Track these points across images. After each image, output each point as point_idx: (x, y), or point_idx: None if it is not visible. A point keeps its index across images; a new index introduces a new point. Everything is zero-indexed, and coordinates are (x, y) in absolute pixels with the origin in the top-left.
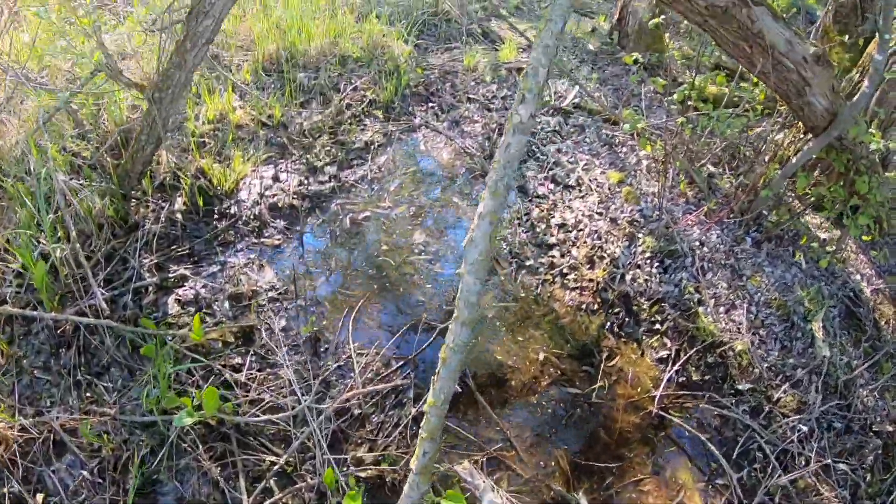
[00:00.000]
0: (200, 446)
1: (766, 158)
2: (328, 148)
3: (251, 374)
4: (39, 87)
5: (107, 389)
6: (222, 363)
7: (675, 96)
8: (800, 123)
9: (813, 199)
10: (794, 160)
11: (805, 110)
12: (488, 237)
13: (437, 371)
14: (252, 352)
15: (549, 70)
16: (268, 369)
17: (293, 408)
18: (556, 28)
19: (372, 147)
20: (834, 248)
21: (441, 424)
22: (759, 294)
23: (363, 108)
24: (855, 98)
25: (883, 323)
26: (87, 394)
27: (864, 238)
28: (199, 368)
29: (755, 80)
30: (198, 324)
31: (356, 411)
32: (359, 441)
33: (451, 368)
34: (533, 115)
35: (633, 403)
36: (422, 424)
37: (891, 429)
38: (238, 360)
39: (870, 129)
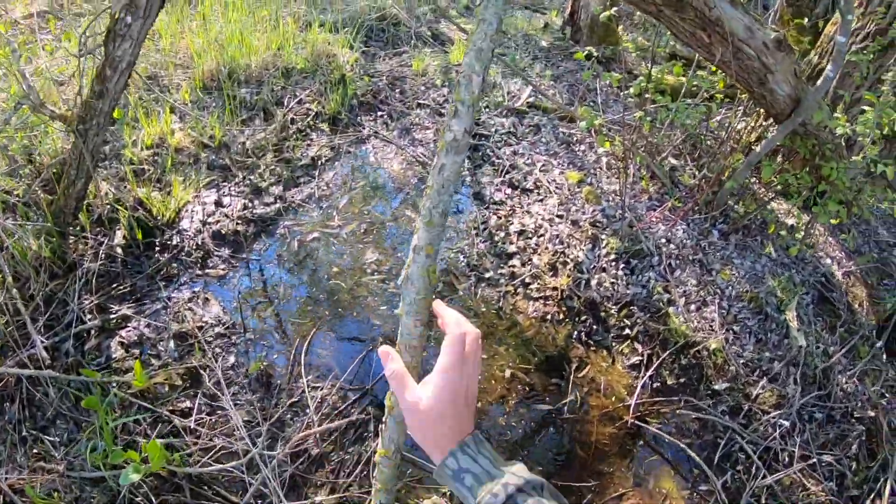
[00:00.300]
0: (153, 500)
1: (729, 148)
2: (273, 167)
3: (201, 418)
4: None
5: (53, 444)
6: (170, 409)
7: (631, 90)
8: (761, 111)
9: (779, 186)
10: (757, 149)
11: (767, 98)
12: (427, 273)
13: (383, 419)
14: (201, 394)
15: (484, 77)
16: (219, 412)
17: (245, 454)
18: (490, 29)
19: (319, 162)
20: (802, 234)
21: (395, 473)
22: (730, 288)
23: (309, 122)
24: (819, 82)
25: (857, 305)
26: (35, 450)
27: (832, 221)
28: (147, 416)
29: (714, 68)
30: (139, 369)
31: (314, 451)
32: (319, 483)
33: (398, 416)
34: (468, 131)
35: (608, 414)
36: (374, 475)
37: (872, 414)
38: (187, 403)
39: (835, 114)
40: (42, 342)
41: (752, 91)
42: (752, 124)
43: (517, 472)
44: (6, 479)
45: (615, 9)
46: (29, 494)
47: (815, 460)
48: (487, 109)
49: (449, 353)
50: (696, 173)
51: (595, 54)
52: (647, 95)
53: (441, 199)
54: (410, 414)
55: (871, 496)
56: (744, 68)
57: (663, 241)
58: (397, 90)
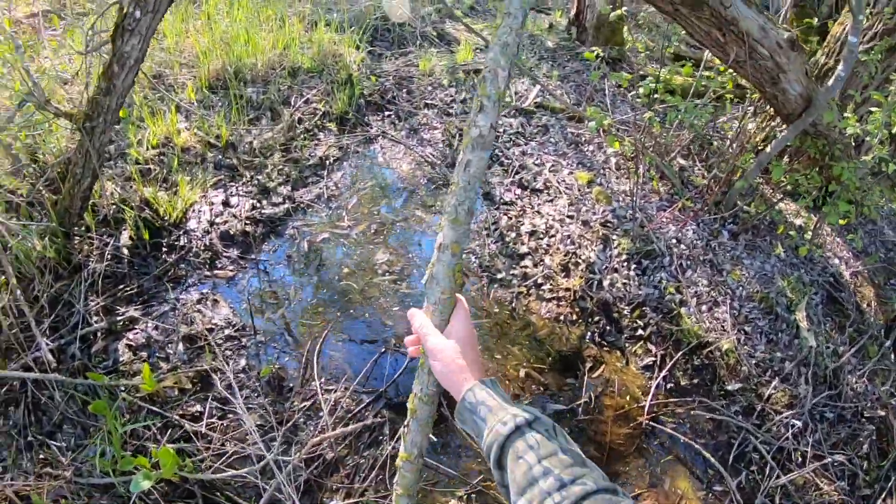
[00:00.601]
0: None
1: (738, 149)
2: (281, 167)
3: (212, 423)
4: None
5: (60, 450)
6: (180, 413)
7: (641, 90)
8: (768, 110)
9: (789, 186)
10: (768, 149)
11: (780, 97)
12: (452, 272)
13: (406, 423)
14: (212, 398)
15: (510, 72)
16: (230, 416)
17: (261, 459)
18: (515, 23)
19: (327, 162)
20: (811, 235)
21: (418, 479)
22: (740, 288)
23: (316, 122)
24: (830, 82)
25: (865, 305)
26: (41, 456)
27: (841, 222)
28: (157, 421)
29: (722, 68)
30: (148, 373)
31: (328, 455)
32: (334, 488)
33: (421, 420)
34: (494, 126)
35: (623, 415)
36: (396, 479)
37: (882, 413)
38: (197, 407)
39: (845, 114)
40: (47, 345)
41: (765, 91)
42: (760, 124)
43: (529, 409)
44: (11, 485)
45: (625, 9)
46: (35, 502)
47: (827, 460)
48: None
49: (459, 309)
50: (706, 174)
51: (602, 54)
52: (655, 95)
53: (467, 195)
54: (435, 355)
55: (883, 495)
56: (757, 68)
57: (674, 241)
58: (404, 90)
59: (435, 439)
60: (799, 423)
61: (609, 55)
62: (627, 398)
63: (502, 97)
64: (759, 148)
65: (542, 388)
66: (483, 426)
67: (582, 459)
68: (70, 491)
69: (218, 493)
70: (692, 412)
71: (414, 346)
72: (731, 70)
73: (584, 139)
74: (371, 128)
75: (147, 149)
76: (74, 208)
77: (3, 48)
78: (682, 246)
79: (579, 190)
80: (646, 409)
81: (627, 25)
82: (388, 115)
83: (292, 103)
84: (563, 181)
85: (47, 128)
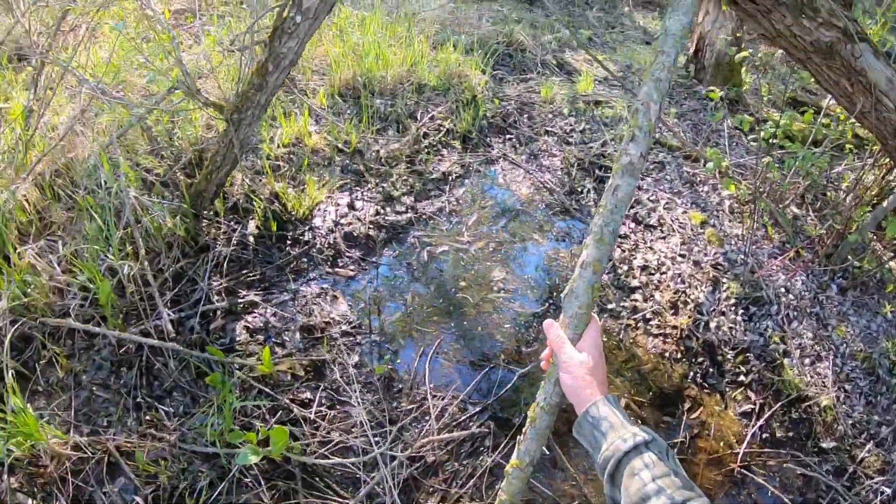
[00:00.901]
0: (263, 483)
1: (854, 201)
2: (405, 177)
3: (321, 411)
4: (114, 101)
5: (167, 415)
6: (290, 397)
7: (762, 134)
8: (887, 163)
9: None
10: (884, 203)
11: None
12: (591, 289)
13: (523, 430)
14: (323, 387)
15: (661, 106)
16: (338, 407)
17: (365, 451)
18: (668, 61)
19: (449, 178)
20: None
21: (523, 487)
22: (844, 345)
23: (440, 138)
24: None
25: None
26: (147, 417)
27: None
28: (266, 402)
29: (842, 117)
30: (268, 356)
31: (430, 458)
32: (430, 490)
33: (539, 429)
34: (644, 156)
35: (716, 459)
36: (502, 485)
37: None
38: (308, 395)
39: None
40: (169, 315)
41: (887, 143)
42: (878, 177)
43: (647, 430)
44: (114, 440)
45: (750, 50)
46: (137, 458)
47: None
48: (613, 142)
49: (593, 326)
50: (819, 224)
51: (720, 94)
52: (774, 141)
53: (613, 218)
54: (567, 368)
55: None
56: (881, 120)
57: (783, 290)
58: (525, 115)
59: (547, 452)
60: (888, 491)
61: (727, 95)
62: (722, 443)
63: (653, 129)
64: (875, 202)
65: (639, 422)
66: (602, 441)
67: (691, 484)
68: (171, 454)
69: (317, 479)
70: (784, 465)
71: (547, 359)
72: (852, 120)
73: (699, 179)
74: (493, 149)
75: (278, 146)
76: (208, 193)
77: (163, 38)
78: (791, 296)
79: (692, 230)
80: (739, 456)
81: (746, 66)
82: (510, 139)
83: (418, 118)
84: (677, 219)
85: (186, 116)
